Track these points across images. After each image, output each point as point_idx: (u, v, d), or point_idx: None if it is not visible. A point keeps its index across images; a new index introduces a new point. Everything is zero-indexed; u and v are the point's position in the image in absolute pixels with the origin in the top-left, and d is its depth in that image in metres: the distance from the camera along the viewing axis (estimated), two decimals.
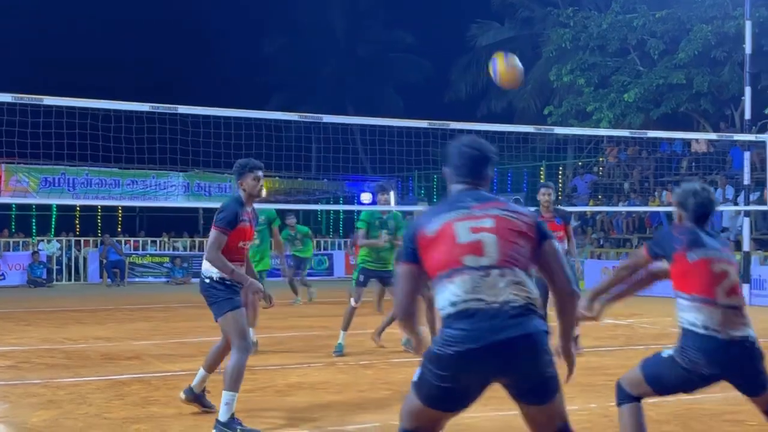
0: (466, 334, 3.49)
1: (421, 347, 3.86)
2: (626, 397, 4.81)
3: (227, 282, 6.40)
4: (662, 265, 4.88)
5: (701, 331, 4.56)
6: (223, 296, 6.41)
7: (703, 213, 4.89)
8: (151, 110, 10.11)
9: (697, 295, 4.62)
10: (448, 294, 3.59)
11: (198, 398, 6.99)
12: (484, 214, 3.71)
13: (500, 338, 3.47)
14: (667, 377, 4.68)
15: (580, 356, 10.31)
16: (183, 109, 10.18)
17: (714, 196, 5.00)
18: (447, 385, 3.57)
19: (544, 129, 15.44)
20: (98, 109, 10.60)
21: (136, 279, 25.25)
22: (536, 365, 3.57)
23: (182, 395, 7.00)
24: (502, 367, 3.52)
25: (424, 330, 3.96)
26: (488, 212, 3.72)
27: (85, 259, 25.62)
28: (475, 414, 6.95)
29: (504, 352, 3.49)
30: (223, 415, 6.23)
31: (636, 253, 4.97)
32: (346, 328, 10.27)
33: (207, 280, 6.50)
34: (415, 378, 3.73)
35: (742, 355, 4.58)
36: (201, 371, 6.93)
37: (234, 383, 6.30)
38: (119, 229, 31.10)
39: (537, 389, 3.61)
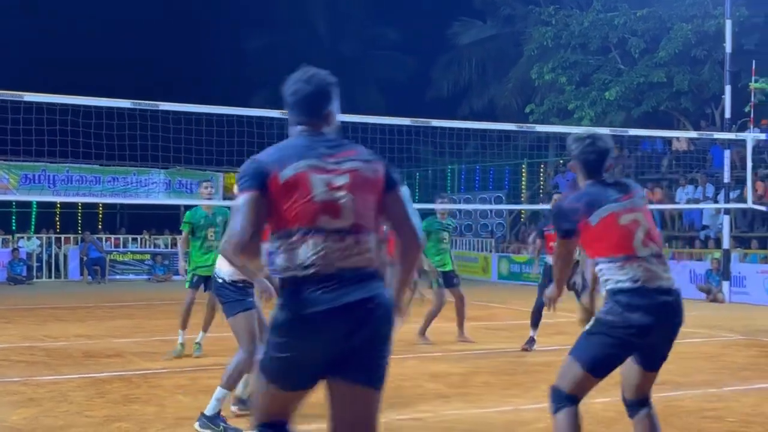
0: (313, 298, 3.32)
1: (271, 292, 3.60)
2: (562, 399, 4.43)
3: (239, 284, 6.39)
4: None
5: (630, 284, 4.32)
6: (234, 297, 6.42)
7: (592, 160, 4.54)
8: (132, 107, 10.08)
9: (615, 256, 4.37)
10: (296, 256, 3.37)
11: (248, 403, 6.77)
12: (340, 168, 3.46)
13: (347, 300, 3.32)
14: (600, 351, 4.36)
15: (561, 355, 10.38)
16: (164, 106, 10.16)
17: (604, 142, 4.60)
18: (292, 354, 3.36)
19: (525, 127, 15.49)
20: (79, 106, 10.54)
21: (117, 276, 25.12)
22: (379, 329, 3.43)
23: (235, 408, 6.87)
24: (348, 329, 3.34)
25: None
26: (343, 165, 3.47)
27: (65, 256, 25.46)
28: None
29: (350, 313, 3.34)
30: (210, 410, 6.23)
31: (557, 246, 4.66)
32: None
33: (219, 281, 6.53)
34: (260, 356, 3.50)
35: (674, 303, 4.36)
36: (244, 376, 6.78)
37: (231, 382, 6.36)
38: (100, 227, 30.91)
39: (371, 364, 3.44)
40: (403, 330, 10.96)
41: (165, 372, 8.89)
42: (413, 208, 3.66)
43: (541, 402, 7.42)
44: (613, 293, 4.36)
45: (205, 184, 10.85)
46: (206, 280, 9.95)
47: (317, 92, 3.60)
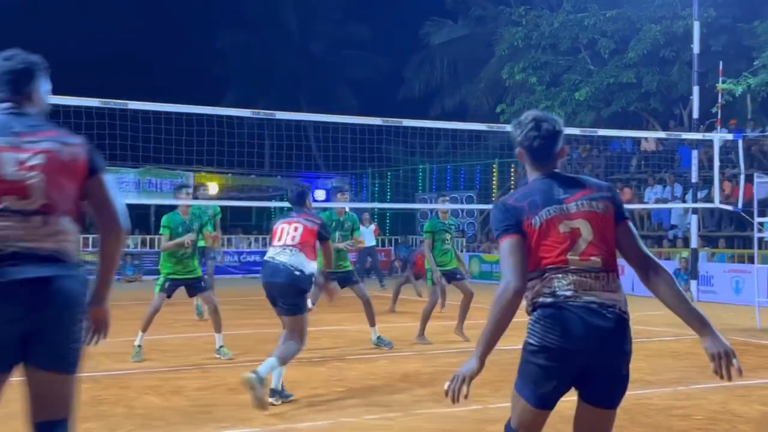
0: None
1: None
2: None
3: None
4: None
5: (551, 299, 3.55)
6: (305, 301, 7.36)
7: (538, 146, 3.75)
8: (101, 105, 9.98)
9: (543, 267, 3.59)
10: None
11: (282, 394, 7.37)
12: (35, 148, 3.35)
13: (18, 277, 3.22)
14: (530, 381, 3.60)
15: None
16: (133, 105, 10.06)
17: (551, 123, 3.79)
18: None
19: (496, 127, 15.49)
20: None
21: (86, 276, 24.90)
22: (61, 313, 3.32)
23: (273, 401, 7.16)
24: (23, 309, 3.24)
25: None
26: (39, 145, 3.37)
27: None
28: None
29: (23, 292, 3.23)
30: (263, 371, 6.73)
31: (502, 260, 3.61)
32: None
33: (298, 272, 7.24)
34: None
35: (607, 327, 3.51)
36: (278, 368, 7.22)
37: (284, 361, 7.12)
38: None
39: (55, 348, 3.34)
40: (383, 330, 10.99)
41: (134, 373, 8.83)
42: (117, 194, 3.60)
43: (510, 401, 7.47)
44: (533, 309, 3.62)
45: (186, 189, 10.61)
46: (187, 286, 9.80)
47: (18, 70, 3.54)
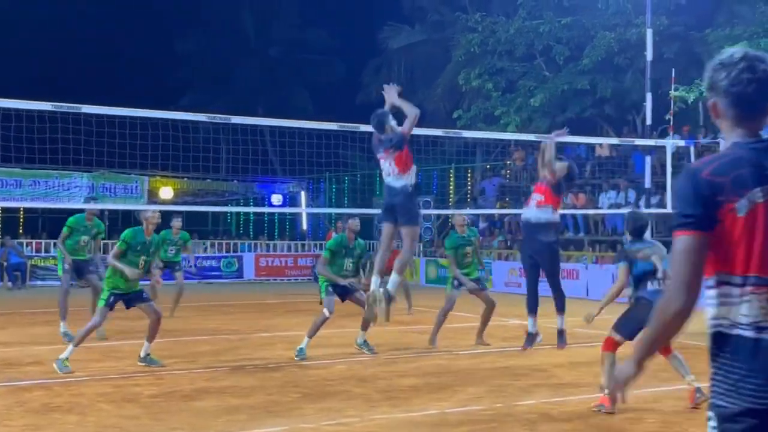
0: None
1: None
2: None
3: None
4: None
5: (750, 331, 2.54)
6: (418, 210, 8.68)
7: (751, 93, 2.58)
8: (54, 109, 9.83)
9: (749, 275, 2.53)
10: None
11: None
12: None
13: None
14: None
15: (486, 356, 10.47)
16: (87, 109, 9.91)
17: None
18: None
19: (452, 132, 15.59)
20: None
21: (38, 282, 24.54)
22: None
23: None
24: None
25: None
26: None
27: None
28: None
29: None
30: (393, 289, 8.29)
31: (674, 253, 2.60)
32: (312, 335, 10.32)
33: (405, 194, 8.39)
34: None
35: None
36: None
37: (403, 269, 8.40)
38: (21, 231, 30.19)
39: None
40: (339, 335, 10.97)
41: (87, 380, 8.71)
42: None
43: (466, 405, 7.50)
44: (716, 341, 2.65)
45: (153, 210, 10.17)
46: (130, 299, 9.45)
47: None
